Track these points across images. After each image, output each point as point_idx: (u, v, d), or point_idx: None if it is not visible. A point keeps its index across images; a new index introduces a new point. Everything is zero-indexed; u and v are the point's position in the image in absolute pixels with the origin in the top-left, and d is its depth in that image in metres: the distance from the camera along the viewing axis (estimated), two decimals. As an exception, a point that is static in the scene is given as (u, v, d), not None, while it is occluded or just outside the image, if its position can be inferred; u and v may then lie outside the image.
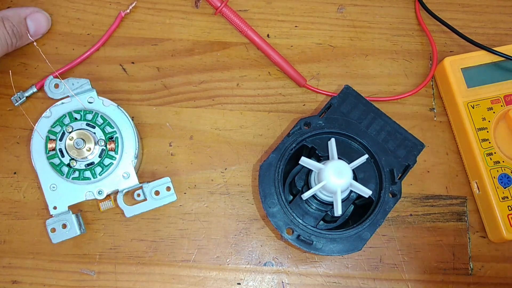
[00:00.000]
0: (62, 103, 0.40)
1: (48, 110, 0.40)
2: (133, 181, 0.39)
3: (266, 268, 0.42)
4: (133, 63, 0.46)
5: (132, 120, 0.43)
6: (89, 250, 0.41)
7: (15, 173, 0.43)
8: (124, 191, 0.39)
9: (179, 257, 0.42)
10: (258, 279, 0.42)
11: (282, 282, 0.42)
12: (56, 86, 0.40)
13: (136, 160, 0.40)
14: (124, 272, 0.41)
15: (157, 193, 0.40)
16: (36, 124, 0.39)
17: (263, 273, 0.42)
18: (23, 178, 0.43)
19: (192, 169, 0.44)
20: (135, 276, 0.41)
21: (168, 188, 0.40)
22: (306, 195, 0.38)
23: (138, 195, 0.40)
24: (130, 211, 0.39)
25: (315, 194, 0.38)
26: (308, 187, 0.39)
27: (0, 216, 0.42)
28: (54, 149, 0.39)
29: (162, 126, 0.45)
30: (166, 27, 0.47)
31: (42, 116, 0.40)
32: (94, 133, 0.39)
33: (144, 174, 0.43)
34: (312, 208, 0.40)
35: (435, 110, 0.47)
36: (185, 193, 0.43)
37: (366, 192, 0.38)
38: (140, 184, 0.40)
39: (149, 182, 0.40)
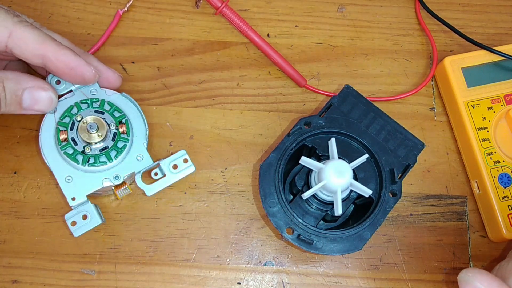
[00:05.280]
0: (65, 98, 0.40)
1: None
2: (148, 161, 0.40)
3: (267, 267, 0.42)
4: (133, 62, 0.46)
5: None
6: (89, 250, 0.41)
7: (15, 173, 0.43)
8: (141, 172, 0.40)
9: (180, 257, 0.42)
10: (258, 279, 0.42)
11: (283, 281, 0.42)
12: (58, 82, 0.40)
13: (147, 142, 0.40)
14: (124, 272, 0.41)
15: (175, 166, 0.40)
16: (43, 121, 0.39)
17: (264, 273, 0.42)
18: (23, 178, 0.43)
19: (192, 168, 0.44)
20: (136, 275, 0.41)
21: (186, 160, 0.40)
22: (306, 194, 0.38)
23: (156, 174, 0.40)
24: (150, 189, 0.39)
25: (315, 193, 0.38)
26: (308, 186, 0.39)
27: (0, 216, 0.42)
28: (66, 140, 0.39)
29: (162, 126, 0.45)
30: (166, 26, 0.47)
31: (47, 112, 0.40)
32: (104, 118, 0.39)
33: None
34: (312, 208, 0.40)
35: (435, 110, 0.47)
36: (185, 192, 0.43)
37: (366, 191, 0.38)
38: (157, 162, 0.40)
39: (164, 158, 0.40)
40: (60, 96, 0.40)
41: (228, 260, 0.42)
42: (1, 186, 0.42)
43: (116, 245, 0.42)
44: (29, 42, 0.35)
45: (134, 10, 0.47)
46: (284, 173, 0.39)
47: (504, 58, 0.44)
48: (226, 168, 0.44)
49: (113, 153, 0.39)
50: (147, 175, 0.41)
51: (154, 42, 0.47)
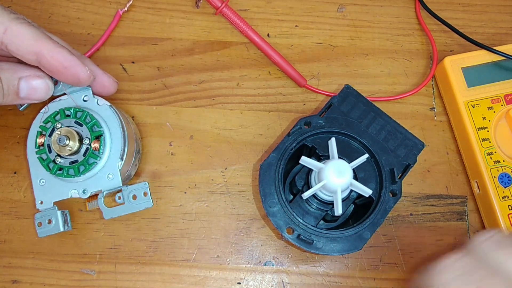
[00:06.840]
0: (60, 99, 0.40)
1: (46, 106, 0.40)
2: (117, 182, 0.39)
3: (267, 267, 0.42)
4: (133, 62, 0.46)
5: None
6: (89, 250, 0.41)
7: (15, 173, 0.43)
8: (105, 193, 0.39)
9: (180, 257, 0.42)
10: (258, 279, 0.42)
11: (283, 281, 0.42)
12: (56, 83, 0.40)
13: (122, 162, 0.39)
14: (124, 272, 0.41)
15: (134, 197, 0.39)
16: (34, 120, 0.39)
17: (264, 273, 0.42)
18: (23, 178, 0.43)
19: (192, 168, 0.44)
20: (135, 275, 0.41)
21: (145, 194, 0.39)
22: (306, 194, 0.38)
23: (119, 197, 0.39)
24: (108, 213, 0.39)
25: (315, 193, 0.38)
26: (308, 186, 0.39)
27: (0, 216, 0.42)
28: (42, 144, 0.38)
29: (162, 126, 0.45)
30: (166, 26, 0.47)
31: (40, 111, 0.40)
32: (82, 131, 0.38)
33: (145, 174, 0.43)
34: (312, 208, 0.40)
35: (435, 110, 0.47)
36: (185, 192, 0.43)
37: (366, 191, 0.38)
38: (121, 187, 0.39)
39: (129, 185, 0.39)
40: (55, 97, 0.40)
41: (228, 260, 0.42)
42: (1, 186, 0.42)
43: (116, 245, 0.42)
44: (24, 39, 0.35)
45: (134, 10, 0.47)
46: (284, 173, 0.39)
47: (504, 58, 0.44)
48: (226, 168, 0.44)
49: (81, 168, 0.38)
50: (113, 196, 0.40)
51: (154, 42, 0.47)
